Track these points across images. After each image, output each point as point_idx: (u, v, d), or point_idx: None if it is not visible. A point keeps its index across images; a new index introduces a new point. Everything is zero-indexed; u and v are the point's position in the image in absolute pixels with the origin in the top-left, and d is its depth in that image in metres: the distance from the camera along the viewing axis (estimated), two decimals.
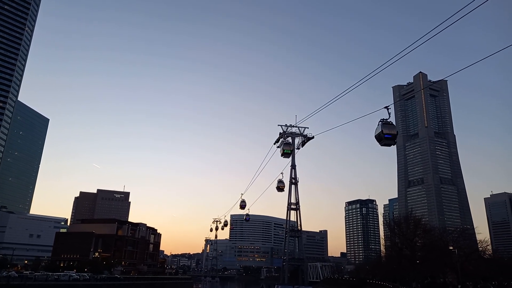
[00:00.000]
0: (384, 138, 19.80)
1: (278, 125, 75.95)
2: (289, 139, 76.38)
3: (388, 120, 20.59)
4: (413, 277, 61.05)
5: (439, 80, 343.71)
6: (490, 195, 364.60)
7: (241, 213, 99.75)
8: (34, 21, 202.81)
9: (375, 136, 20.53)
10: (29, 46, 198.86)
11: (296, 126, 75.38)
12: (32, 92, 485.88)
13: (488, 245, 67.48)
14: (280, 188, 64.92)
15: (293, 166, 79.30)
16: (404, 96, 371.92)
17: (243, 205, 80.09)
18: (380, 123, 20.25)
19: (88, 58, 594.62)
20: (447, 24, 16.16)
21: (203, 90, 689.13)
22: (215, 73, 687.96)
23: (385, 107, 21.11)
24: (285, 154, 61.12)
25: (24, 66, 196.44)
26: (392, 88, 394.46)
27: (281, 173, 68.39)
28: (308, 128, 75.79)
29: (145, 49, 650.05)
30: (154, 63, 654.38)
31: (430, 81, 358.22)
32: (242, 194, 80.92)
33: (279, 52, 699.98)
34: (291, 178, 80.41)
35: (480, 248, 62.76)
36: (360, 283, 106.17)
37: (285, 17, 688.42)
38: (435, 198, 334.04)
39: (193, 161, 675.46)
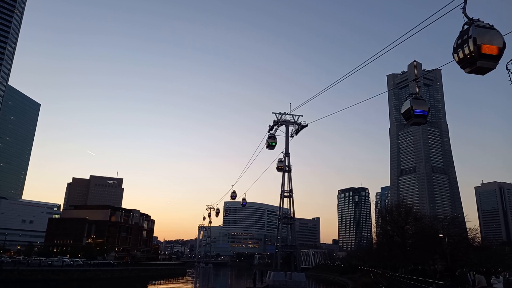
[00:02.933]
0: (414, 115, 16.14)
1: (272, 112, 75.89)
2: (283, 127, 76.47)
3: (418, 95, 16.92)
4: (403, 264, 62.11)
5: (433, 70, 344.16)
6: (481, 184, 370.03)
7: (235, 200, 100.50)
8: (24, 2, 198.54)
9: (403, 113, 16.88)
10: (19, 28, 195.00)
11: (290, 114, 75.36)
12: (23, 77, 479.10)
13: (477, 233, 68.55)
14: (279, 168, 64.80)
15: (287, 154, 79.60)
16: (398, 84, 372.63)
17: (233, 196, 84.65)
18: (409, 98, 16.67)
19: (81, 43, 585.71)
20: (443, 13, 15.96)
21: (197, 77, 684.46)
22: (209, 60, 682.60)
23: (414, 80, 17.97)
24: (270, 146, 62.40)
25: (14, 49, 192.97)
26: (386, 77, 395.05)
27: (282, 152, 68.20)
28: (302, 116, 75.75)
29: (139, 34, 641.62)
30: (147, 49, 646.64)
31: (424, 70, 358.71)
32: (232, 185, 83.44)
33: (273, 39, 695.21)
34: (284, 165, 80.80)
35: (470, 236, 63.84)
36: (352, 269, 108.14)
37: (279, 4, 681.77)
38: (427, 186, 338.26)
39: (186, 148, 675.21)
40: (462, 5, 11.81)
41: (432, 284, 25.74)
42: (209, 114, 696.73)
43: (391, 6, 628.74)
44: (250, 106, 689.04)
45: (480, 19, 11.31)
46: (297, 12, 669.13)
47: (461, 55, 11.32)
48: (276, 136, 75.72)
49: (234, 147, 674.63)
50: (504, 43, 11.04)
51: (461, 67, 11.63)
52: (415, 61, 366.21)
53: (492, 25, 11.22)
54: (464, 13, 11.64)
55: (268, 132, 76.88)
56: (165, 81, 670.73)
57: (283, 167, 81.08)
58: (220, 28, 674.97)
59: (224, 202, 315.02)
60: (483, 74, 11.58)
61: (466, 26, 11.38)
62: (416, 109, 16.24)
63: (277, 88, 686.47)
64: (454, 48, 11.61)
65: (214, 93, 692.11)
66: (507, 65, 13.65)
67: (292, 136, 76.78)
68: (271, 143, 62.07)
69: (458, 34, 11.42)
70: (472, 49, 10.88)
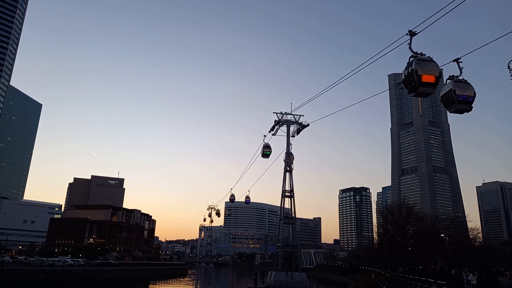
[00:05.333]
0: (457, 101, 13.97)
1: (273, 112, 76.00)
2: (284, 127, 76.44)
3: (461, 78, 14.59)
4: (404, 263, 62.14)
5: None
6: (482, 183, 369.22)
7: (236, 200, 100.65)
8: (26, 3, 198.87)
9: (442, 97, 14.56)
10: (20, 29, 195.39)
11: (291, 114, 75.42)
12: (24, 77, 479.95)
13: (478, 233, 68.61)
14: (264, 153, 64.80)
15: (288, 154, 79.57)
16: (399, 84, 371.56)
17: (232, 199, 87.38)
18: (451, 80, 14.31)
19: (82, 43, 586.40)
20: (444, 12, 15.91)
21: (198, 77, 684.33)
22: (210, 60, 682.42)
23: (454, 60, 15.02)
24: (264, 155, 63.36)
25: (16, 50, 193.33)
26: (387, 76, 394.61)
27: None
28: (303, 115, 75.90)
29: (140, 35, 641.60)
30: (148, 50, 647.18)
31: None
32: (231, 189, 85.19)
33: (274, 40, 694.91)
34: (285, 165, 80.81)
35: (471, 236, 63.79)
36: (353, 269, 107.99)
37: (280, 5, 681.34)
38: (428, 186, 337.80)
39: (187, 148, 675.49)
40: (409, 41, 14.38)
41: (433, 284, 25.75)
42: (209, 115, 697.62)
43: (391, 6, 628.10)
44: (251, 107, 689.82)
45: (422, 53, 13.91)
46: (298, 13, 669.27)
47: (407, 82, 14.06)
48: (278, 135, 75.84)
49: (235, 147, 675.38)
50: (440, 73, 13.80)
51: (408, 92, 14.53)
52: None
53: (431, 58, 13.84)
54: (410, 48, 14.30)
55: (269, 131, 76.95)
56: (165, 82, 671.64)
57: (284, 166, 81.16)
58: (220, 28, 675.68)
59: (225, 202, 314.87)
60: (425, 97, 14.80)
61: (411, 59, 13.94)
62: (460, 94, 14.08)
63: (278, 89, 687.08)
64: (402, 78, 14.40)
65: (215, 93, 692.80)
66: (509, 64, 14.01)
67: (293, 136, 76.78)
68: (266, 152, 63.29)
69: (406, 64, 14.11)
70: (414, 78, 13.51)
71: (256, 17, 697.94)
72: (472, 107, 14.62)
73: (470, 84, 14.47)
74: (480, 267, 38.87)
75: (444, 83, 14.59)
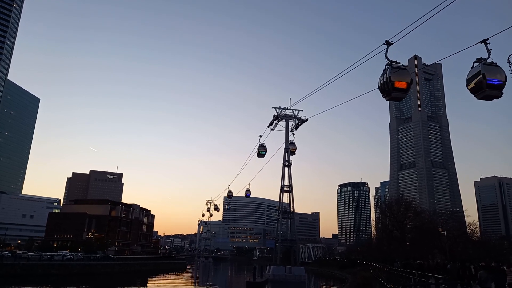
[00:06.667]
0: (486, 86, 12.68)
1: (272, 107, 76.10)
2: (283, 122, 76.29)
3: (490, 60, 13.24)
4: (403, 258, 62.46)
5: (434, 63, 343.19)
6: (480, 178, 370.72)
7: (235, 195, 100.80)
8: None
9: (469, 82, 13.25)
10: (18, 23, 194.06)
11: (290, 109, 75.48)
12: (22, 72, 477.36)
13: (476, 227, 68.98)
14: (260, 153, 65.28)
15: (286, 149, 79.64)
16: None
17: (230, 195, 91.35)
18: (479, 63, 13.01)
19: (81, 38, 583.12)
20: (443, 6, 15.85)
21: (197, 73, 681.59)
22: (209, 57, 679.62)
23: (481, 41, 13.70)
24: (260, 155, 64.83)
25: (13, 43, 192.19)
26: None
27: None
28: (302, 110, 75.86)
29: (139, 31, 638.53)
30: (147, 45, 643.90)
31: (424, 64, 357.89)
32: (229, 185, 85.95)
33: (273, 36, 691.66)
34: (284, 160, 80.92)
35: (469, 231, 64.13)
36: (351, 263, 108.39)
37: (279, 0, 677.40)
38: (426, 181, 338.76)
39: (185, 144, 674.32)
40: (385, 50, 15.43)
41: (431, 278, 25.93)
42: (208, 111, 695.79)
43: (390, 1, 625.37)
44: (250, 103, 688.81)
45: (397, 61, 15.01)
46: (297, 9, 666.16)
47: (381, 88, 15.18)
48: (276, 130, 75.75)
49: (234, 143, 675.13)
50: (411, 80, 14.94)
51: (382, 96, 15.57)
52: (415, 55, 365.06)
53: (405, 66, 15.09)
54: (386, 57, 15.31)
55: (268, 126, 76.83)
56: (164, 78, 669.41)
57: (283, 161, 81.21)
58: (219, 25, 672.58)
59: (224, 197, 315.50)
60: (397, 101, 16.53)
61: (387, 66, 14.99)
62: (489, 78, 12.78)
63: (277, 85, 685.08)
64: (378, 85, 15.42)
65: (214, 90, 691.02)
66: (508, 58, 13.90)
67: (292, 131, 76.85)
68: (261, 152, 65.27)
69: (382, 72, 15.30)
70: (388, 84, 14.67)
71: (255, 13, 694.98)
72: (502, 93, 13.33)
73: (500, 68, 13.27)
74: (460, 260, 39.23)
75: (471, 66, 13.57)
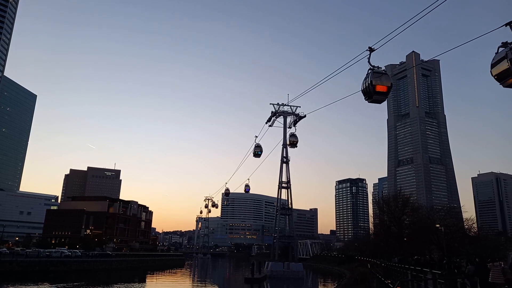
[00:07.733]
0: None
1: (270, 103, 76.06)
2: (281, 118, 76.23)
3: None
4: (400, 253, 62.76)
5: (431, 59, 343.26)
6: (478, 174, 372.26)
7: (233, 192, 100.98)
8: None
9: (494, 68, 11.64)
10: (14, 19, 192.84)
11: (288, 105, 75.44)
12: (18, 68, 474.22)
13: (473, 223, 69.22)
14: (256, 153, 65.14)
15: (284, 146, 79.69)
16: (396, 75, 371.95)
17: (227, 193, 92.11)
18: (504, 48, 11.34)
19: (78, 35, 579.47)
20: (440, 2, 15.79)
21: (195, 71, 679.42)
22: (207, 54, 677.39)
23: (506, 24, 11.74)
24: (256, 155, 65.01)
25: (9, 40, 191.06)
26: (384, 67, 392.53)
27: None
28: (300, 107, 75.87)
29: (137, 27, 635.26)
30: (145, 42, 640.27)
31: (422, 60, 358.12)
32: (226, 183, 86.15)
33: (271, 33, 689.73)
34: (282, 157, 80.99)
35: (466, 226, 64.39)
36: (349, 259, 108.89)
37: None
38: (424, 177, 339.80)
39: (184, 142, 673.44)
40: (368, 55, 16.42)
41: (428, 273, 26.07)
42: (206, 108, 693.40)
43: None
44: (248, 100, 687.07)
45: (379, 66, 16.10)
46: (295, 6, 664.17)
47: (364, 91, 16.15)
48: (274, 126, 75.69)
49: (231, 140, 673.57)
50: (391, 84, 16.14)
51: (364, 99, 16.48)
52: (413, 51, 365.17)
53: (385, 71, 16.19)
54: (369, 62, 16.32)
55: (266, 123, 76.75)
56: (163, 75, 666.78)
57: (281, 158, 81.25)
58: (217, 22, 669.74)
59: (222, 194, 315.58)
60: (378, 104, 16.90)
61: (369, 71, 15.98)
62: None
63: (275, 81, 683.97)
64: (362, 89, 16.26)
65: (212, 86, 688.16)
66: (506, 53, 13.39)
67: (290, 127, 76.77)
68: (257, 152, 65.44)
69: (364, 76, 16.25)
70: (370, 88, 15.72)
71: (253, 10, 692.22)
72: None
73: None
74: (447, 255, 39.53)
75: (496, 51, 11.70)
